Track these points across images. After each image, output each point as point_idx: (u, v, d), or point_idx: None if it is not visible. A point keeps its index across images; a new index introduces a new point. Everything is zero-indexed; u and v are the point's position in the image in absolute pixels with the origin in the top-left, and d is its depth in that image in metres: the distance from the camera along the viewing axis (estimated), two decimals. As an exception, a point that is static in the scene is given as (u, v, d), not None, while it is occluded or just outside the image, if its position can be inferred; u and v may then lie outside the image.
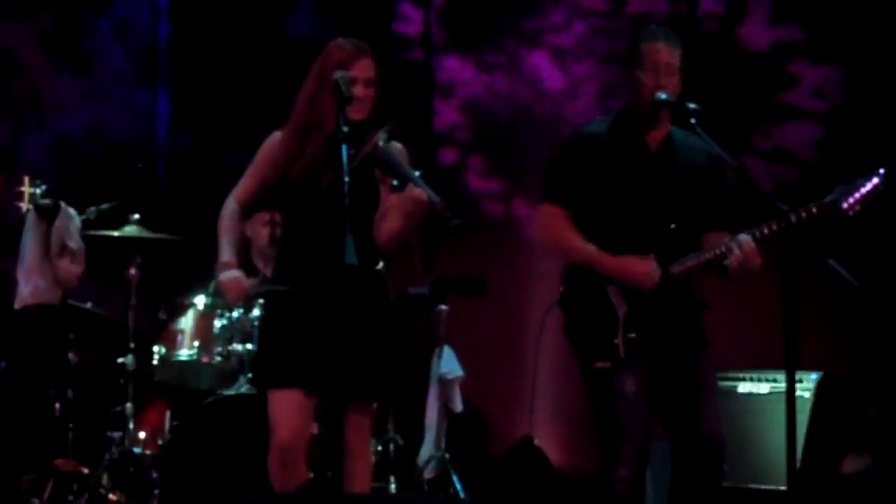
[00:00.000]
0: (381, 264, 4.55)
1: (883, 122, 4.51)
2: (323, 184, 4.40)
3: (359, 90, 4.40)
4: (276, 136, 4.56)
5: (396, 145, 4.44)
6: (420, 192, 4.22)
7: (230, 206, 4.58)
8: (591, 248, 4.43)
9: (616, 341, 4.36)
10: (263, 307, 4.77)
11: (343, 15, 7.81)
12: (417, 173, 4.31)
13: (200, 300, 6.21)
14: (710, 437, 4.42)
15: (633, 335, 4.36)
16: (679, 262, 4.45)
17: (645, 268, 4.40)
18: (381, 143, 4.32)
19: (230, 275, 4.51)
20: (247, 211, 4.65)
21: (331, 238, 4.31)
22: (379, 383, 4.45)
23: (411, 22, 8.00)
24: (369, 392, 4.46)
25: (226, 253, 4.53)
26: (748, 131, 7.03)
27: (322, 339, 4.37)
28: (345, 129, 4.21)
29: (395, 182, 4.30)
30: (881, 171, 4.33)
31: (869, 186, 4.28)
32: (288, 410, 4.38)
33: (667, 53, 4.48)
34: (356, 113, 4.42)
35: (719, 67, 6.99)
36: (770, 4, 7.17)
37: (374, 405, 4.54)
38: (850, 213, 4.30)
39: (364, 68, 4.44)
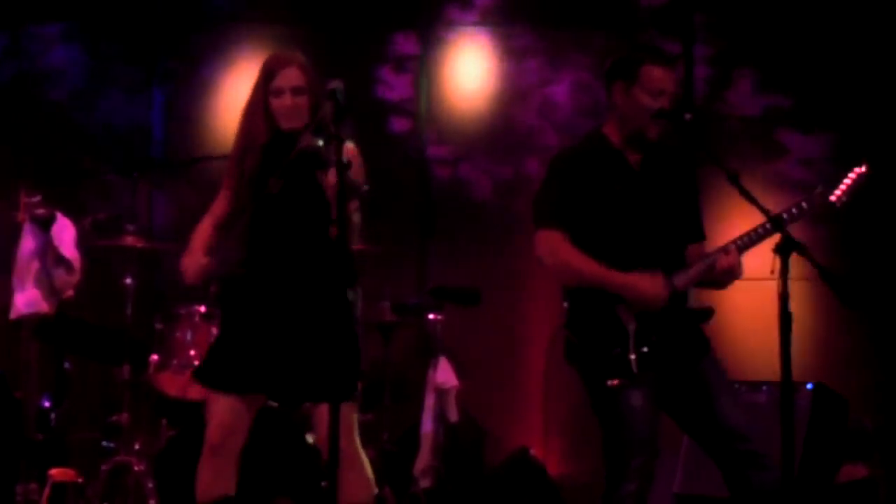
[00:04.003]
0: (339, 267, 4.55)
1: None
2: (274, 189, 4.40)
3: (286, 99, 4.47)
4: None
5: (347, 145, 4.36)
6: (333, 175, 4.20)
7: (203, 221, 4.64)
8: (600, 268, 4.39)
9: (630, 357, 4.35)
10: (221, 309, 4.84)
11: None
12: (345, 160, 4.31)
13: (197, 309, 6.21)
14: (736, 432, 4.41)
15: (645, 349, 4.36)
16: (681, 273, 4.46)
17: (656, 286, 4.38)
18: (309, 143, 4.27)
19: (189, 257, 4.53)
20: (224, 225, 4.67)
21: (291, 239, 4.47)
22: (326, 385, 4.38)
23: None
24: (316, 394, 4.45)
25: (192, 244, 4.55)
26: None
27: (265, 342, 4.44)
28: (318, 121, 4.23)
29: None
30: (863, 161, 4.42)
31: (853, 176, 4.39)
32: (218, 411, 4.46)
33: (671, 80, 4.47)
34: (287, 121, 4.50)
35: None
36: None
37: (351, 411, 4.47)
38: (839, 204, 4.39)
39: (289, 77, 4.49)
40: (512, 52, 7.84)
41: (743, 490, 4.39)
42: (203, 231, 4.61)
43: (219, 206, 4.65)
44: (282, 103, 4.48)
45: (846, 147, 6.90)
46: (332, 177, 4.18)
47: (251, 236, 4.57)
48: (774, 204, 4.32)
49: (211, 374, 4.54)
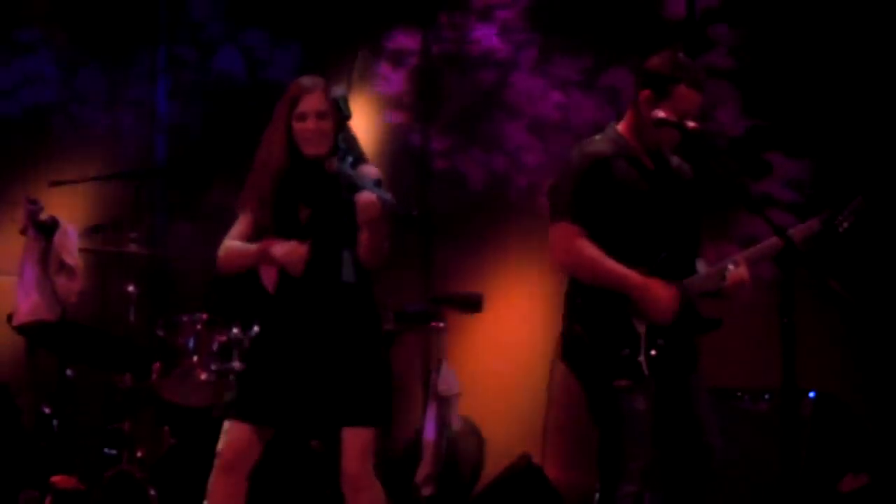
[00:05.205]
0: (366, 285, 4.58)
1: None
2: (302, 220, 4.49)
3: (310, 123, 4.47)
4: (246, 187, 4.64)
5: (369, 168, 4.49)
6: (367, 195, 4.27)
7: (226, 243, 4.59)
8: (619, 266, 4.40)
9: (640, 359, 4.36)
10: (257, 337, 4.87)
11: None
12: (372, 181, 4.35)
13: (199, 317, 6.21)
14: (710, 445, 4.47)
15: (654, 352, 4.37)
16: (693, 278, 4.48)
17: (670, 298, 4.39)
18: (337, 167, 4.34)
19: (283, 246, 4.43)
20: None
21: (321, 270, 4.43)
22: (352, 412, 4.44)
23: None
24: (340, 421, 4.47)
25: (254, 244, 4.50)
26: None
27: (290, 374, 4.46)
28: (342, 146, 4.26)
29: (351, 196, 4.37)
30: (859, 196, 4.57)
31: (854, 204, 4.55)
32: (234, 433, 4.49)
33: (699, 105, 4.49)
34: (310, 147, 4.49)
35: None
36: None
37: (368, 435, 4.50)
38: (841, 229, 4.51)
39: (312, 102, 4.48)
40: (515, 48, 7.90)
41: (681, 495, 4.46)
42: (235, 245, 4.56)
43: (238, 230, 4.60)
44: (305, 127, 4.48)
45: (828, 166, 6.96)
46: (366, 196, 4.24)
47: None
48: (763, 225, 4.40)
49: (235, 403, 4.58)
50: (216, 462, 4.51)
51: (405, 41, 8.04)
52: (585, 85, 7.66)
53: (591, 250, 4.42)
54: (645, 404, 4.38)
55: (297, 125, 4.49)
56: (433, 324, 6.92)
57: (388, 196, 4.25)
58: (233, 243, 4.56)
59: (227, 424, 4.53)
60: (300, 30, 8.07)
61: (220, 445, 4.51)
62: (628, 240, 4.45)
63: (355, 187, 4.31)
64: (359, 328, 4.51)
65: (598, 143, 4.59)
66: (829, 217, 4.48)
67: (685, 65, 4.49)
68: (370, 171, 4.48)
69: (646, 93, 4.50)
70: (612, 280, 4.40)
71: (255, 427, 4.48)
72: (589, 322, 4.45)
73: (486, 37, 7.93)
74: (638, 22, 7.47)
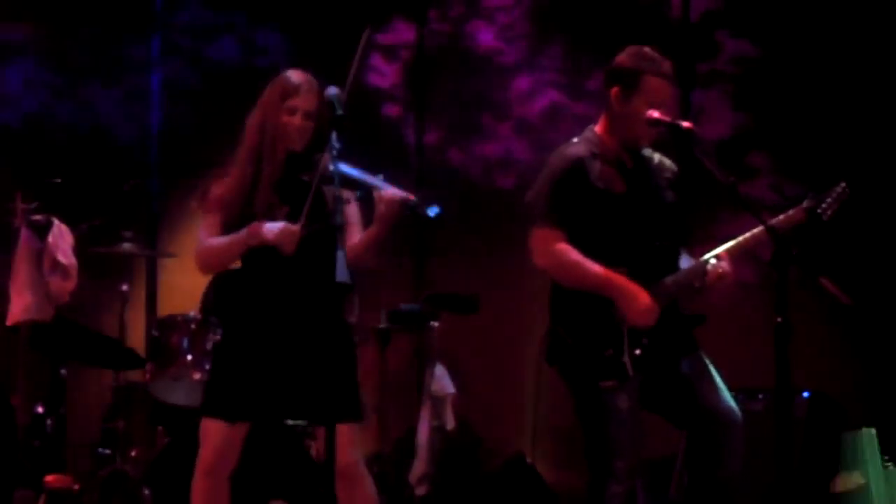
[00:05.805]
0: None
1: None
2: (280, 218, 4.46)
3: (297, 119, 4.50)
4: (222, 180, 4.60)
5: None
6: (392, 192, 4.30)
7: (203, 243, 4.57)
8: (601, 269, 4.42)
9: (624, 359, 4.37)
10: (222, 333, 4.88)
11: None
12: (380, 177, 4.36)
13: (193, 317, 6.20)
14: (721, 413, 4.47)
15: (638, 352, 4.38)
16: (671, 277, 4.49)
17: (650, 306, 4.39)
18: (331, 163, 4.32)
19: (273, 226, 4.39)
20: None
21: (292, 267, 4.43)
22: (324, 408, 4.42)
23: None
24: (314, 417, 4.50)
25: (240, 232, 4.45)
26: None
27: (262, 367, 4.47)
28: (336, 145, 4.24)
29: (358, 193, 4.35)
30: (842, 181, 4.59)
31: (837, 191, 4.56)
32: (212, 434, 4.51)
33: (671, 95, 4.52)
34: (292, 143, 4.52)
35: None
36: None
37: (355, 430, 4.51)
38: (825, 217, 4.53)
39: (307, 101, 4.51)
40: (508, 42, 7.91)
41: (705, 473, 4.45)
42: (218, 238, 4.54)
43: (211, 230, 4.57)
44: (291, 122, 4.51)
45: (815, 169, 6.99)
46: (391, 194, 4.28)
47: (252, 262, 4.57)
48: (748, 227, 4.43)
49: (208, 400, 4.59)
50: (199, 466, 4.53)
51: (399, 34, 8.05)
52: (583, 84, 7.67)
53: (572, 254, 4.44)
54: (628, 402, 4.40)
55: (284, 118, 4.51)
56: (428, 323, 6.92)
57: (410, 195, 4.29)
58: (212, 240, 4.55)
59: (203, 424, 4.54)
60: (298, 22, 8.06)
61: (203, 450, 4.52)
62: (608, 240, 4.47)
63: (357, 183, 4.32)
64: (343, 325, 4.55)
65: (576, 145, 4.61)
66: (813, 206, 4.50)
67: (651, 56, 4.52)
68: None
69: (615, 89, 4.53)
70: (594, 283, 4.42)
71: (233, 425, 4.49)
72: (572, 323, 4.47)
73: (483, 33, 7.95)
74: (642, 23, 7.48)
